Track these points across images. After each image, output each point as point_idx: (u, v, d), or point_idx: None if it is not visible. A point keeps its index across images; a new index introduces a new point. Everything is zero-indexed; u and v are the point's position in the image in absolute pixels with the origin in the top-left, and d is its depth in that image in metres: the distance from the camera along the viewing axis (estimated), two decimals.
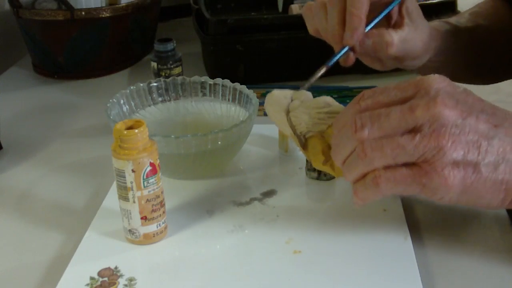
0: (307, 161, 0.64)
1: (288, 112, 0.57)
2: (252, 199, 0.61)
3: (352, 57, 0.63)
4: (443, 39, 0.71)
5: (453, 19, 0.76)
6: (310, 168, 0.64)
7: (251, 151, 0.70)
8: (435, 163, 0.45)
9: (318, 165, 0.55)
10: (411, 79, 0.48)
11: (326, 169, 0.53)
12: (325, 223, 0.56)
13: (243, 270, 0.51)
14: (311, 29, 0.65)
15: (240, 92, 0.70)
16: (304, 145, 0.56)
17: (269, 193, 0.62)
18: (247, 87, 0.70)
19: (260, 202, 0.61)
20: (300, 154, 0.68)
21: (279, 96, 0.59)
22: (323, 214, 0.58)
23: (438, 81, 0.47)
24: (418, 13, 0.65)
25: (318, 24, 0.63)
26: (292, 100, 0.58)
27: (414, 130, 0.45)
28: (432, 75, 0.47)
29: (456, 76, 0.79)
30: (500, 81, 0.83)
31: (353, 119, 0.47)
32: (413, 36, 0.64)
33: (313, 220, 0.57)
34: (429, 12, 0.89)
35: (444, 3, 0.91)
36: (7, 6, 1.06)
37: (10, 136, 0.78)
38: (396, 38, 0.61)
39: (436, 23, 0.72)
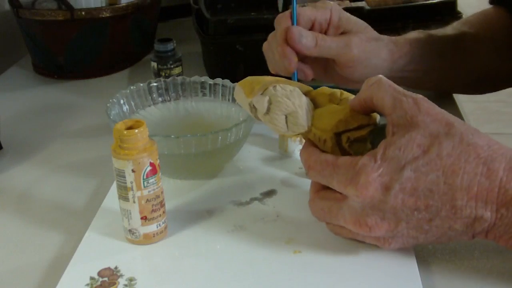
0: None
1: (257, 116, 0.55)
2: (252, 199, 0.61)
3: (308, 72, 0.69)
4: (412, 48, 0.72)
5: (438, 30, 0.77)
6: None
7: (251, 151, 0.70)
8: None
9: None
10: (344, 172, 0.48)
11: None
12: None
13: (243, 270, 0.51)
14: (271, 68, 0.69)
15: None
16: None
17: (269, 193, 0.62)
18: None
19: (260, 202, 0.61)
20: None
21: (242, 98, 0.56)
22: None
23: (366, 187, 0.46)
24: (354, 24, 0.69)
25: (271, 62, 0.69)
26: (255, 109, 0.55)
27: None
28: (365, 172, 0.46)
29: (446, 85, 0.80)
30: (497, 90, 0.83)
31: (310, 203, 0.53)
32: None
33: (313, 220, 0.57)
34: (429, 12, 0.90)
35: (444, 3, 0.90)
36: (7, 6, 1.06)
37: (10, 136, 0.78)
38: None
39: (410, 34, 0.74)
